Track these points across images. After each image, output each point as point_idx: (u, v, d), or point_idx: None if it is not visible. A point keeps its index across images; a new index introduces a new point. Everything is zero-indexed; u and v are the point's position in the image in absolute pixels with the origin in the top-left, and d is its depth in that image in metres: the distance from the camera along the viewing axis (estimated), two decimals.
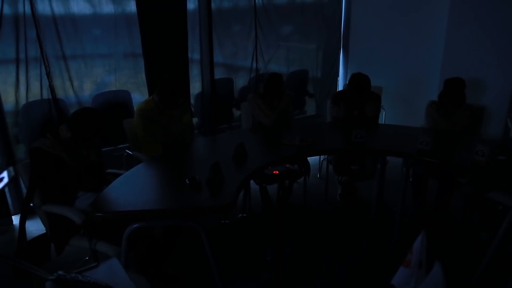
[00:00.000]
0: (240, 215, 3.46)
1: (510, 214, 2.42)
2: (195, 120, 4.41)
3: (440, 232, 3.16)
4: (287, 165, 2.09)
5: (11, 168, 1.15)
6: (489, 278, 2.56)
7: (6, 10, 3.15)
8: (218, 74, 4.53)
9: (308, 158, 3.44)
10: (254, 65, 4.82)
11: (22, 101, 3.38)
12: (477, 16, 4.03)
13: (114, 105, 3.89)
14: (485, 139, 3.27)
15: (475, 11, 4.04)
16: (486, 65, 4.04)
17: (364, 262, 2.88)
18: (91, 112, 2.40)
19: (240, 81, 4.84)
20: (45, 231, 2.39)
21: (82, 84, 3.76)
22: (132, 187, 2.30)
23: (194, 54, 4.30)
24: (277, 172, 2.05)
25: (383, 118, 4.72)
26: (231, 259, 2.91)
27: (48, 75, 3.41)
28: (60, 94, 3.54)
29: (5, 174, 1.23)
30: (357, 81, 3.42)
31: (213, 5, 4.21)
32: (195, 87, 4.44)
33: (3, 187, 1.18)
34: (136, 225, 2.06)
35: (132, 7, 3.71)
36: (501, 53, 3.93)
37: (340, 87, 5.58)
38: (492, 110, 3.59)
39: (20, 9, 3.19)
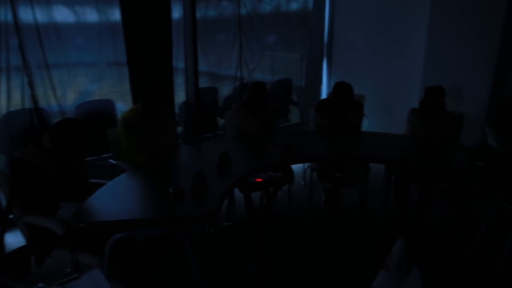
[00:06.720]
0: (225, 223, 3.46)
1: (488, 217, 2.48)
2: (179, 129, 4.40)
3: (422, 237, 3.21)
4: (270, 173, 2.11)
5: None
6: (471, 279, 2.63)
7: None
8: (203, 83, 4.54)
9: (292, 165, 3.47)
10: (239, 74, 4.85)
11: (3, 110, 3.33)
12: (455, 27, 4.15)
13: (97, 114, 3.85)
14: (464, 146, 3.35)
15: (454, 22, 4.16)
16: (465, 74, 4.15)
17: (347, 268, 2.90)
18: (74, 123, 2.39)
19: (225, 90, 4.86)
20: (25, 243, 2.35)
21: (65, 93, 3.73)
22: (115, 197, 2.28)
23: (179, 63, 4.30)
24: (260, 180, 2.07)
25: (365, 126, 4.79)
26: (216, 268, 2.89)
27: (30, 84, 3.37)
28: (42, 103, 3.50)
29: None
30: (340, 89, 3.48)
31: (198, 15, 4.24)
32: (180, 96, 4.44)
33: None
34: (119, 235, 2.04)
35: (116, 15, 3.71)
36: (479, 62, 4.04)
37: (323, 95, 5.65)
38: (470, 117, 3.68)
39: (2, 17, 3.16)
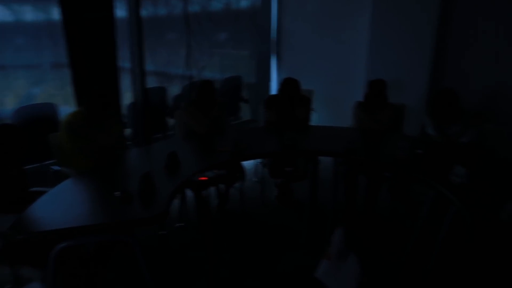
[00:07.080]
0: (177, 224, 3.41)
1: (427, 202, 2.63)
2: (128, 130, 4.29)
3: (369, 224, 3.35)
4: (215, 171, 2.11)
5: None
6: (415, 261, 2.79)
7: None
8: (152, 82, 4.45)
9: (244, 162, 3.49)
10: (188, 72, 4.80)
11: None
12: (396, 24, 4.37)
13: (38, 119, 3.68)
14: (406, 136, 3.53)
15: (394, 19, 4.38)
16: (405, 67, 4.38)
17: (300, 261, 2.95)
18: (7, 129, 2.26)
19: (174, 89, 4.79)
20: None
21: (3, 98, 3.53)
22: (59, 204, 2.19)
23: (126, 63, 4.19)
24: (205, 178, 2.07)
25: (315, 120, 4.90)
26: (170, 271, 2.85)
27: None
28: None
29: None
30: (287, 85, 3.55)
31: (145, 13, 4.14)
32: (127, 96, 4.32)
33: None
34: (63, 244, 1.96)
35: (56, 14, 3.53)
36: (417, 57, 4.29)
37: (273, 92, 5.71)
38: (411, 108, 3.88)
39: None
